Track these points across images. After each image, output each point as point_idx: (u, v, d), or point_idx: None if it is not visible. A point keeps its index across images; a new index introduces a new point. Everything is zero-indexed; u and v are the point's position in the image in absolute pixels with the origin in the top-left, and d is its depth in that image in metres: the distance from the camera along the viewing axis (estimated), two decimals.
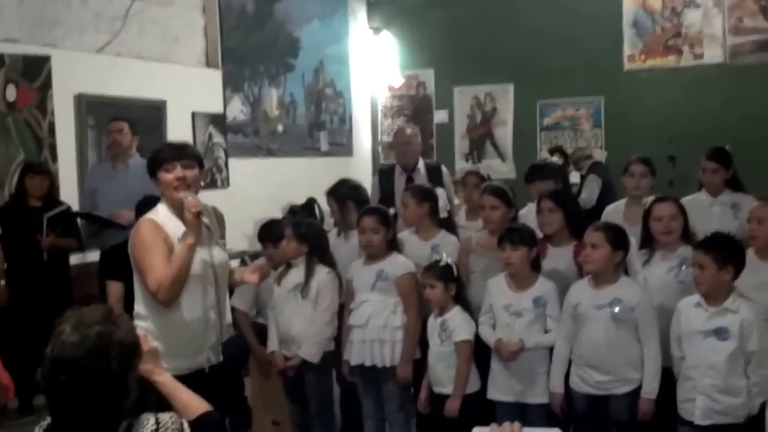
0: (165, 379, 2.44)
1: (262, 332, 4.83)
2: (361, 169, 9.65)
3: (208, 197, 7.41)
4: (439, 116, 9.58)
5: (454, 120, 9.59)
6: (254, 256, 6.86)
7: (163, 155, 3.36)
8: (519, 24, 9.12)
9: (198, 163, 3.39)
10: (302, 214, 8.17)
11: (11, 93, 6.07)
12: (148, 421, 2.13)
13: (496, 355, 4.06)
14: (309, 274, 4.31)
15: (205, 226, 3.32)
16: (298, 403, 4.45)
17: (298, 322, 4.32)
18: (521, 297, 4.04)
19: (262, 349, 4.72)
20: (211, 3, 7.89)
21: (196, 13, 7.84)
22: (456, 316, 4.05)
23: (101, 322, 2.08)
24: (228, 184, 8.06)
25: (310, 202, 8.44)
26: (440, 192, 4.72)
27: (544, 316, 4.03)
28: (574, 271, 4.21)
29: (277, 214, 8.20)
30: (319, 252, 4.38)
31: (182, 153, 3.35)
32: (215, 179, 7.94)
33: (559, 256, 4.28)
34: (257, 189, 8.17)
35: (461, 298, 4.11)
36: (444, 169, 6.25)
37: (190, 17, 7.77)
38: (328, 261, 4.41)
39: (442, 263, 4.07)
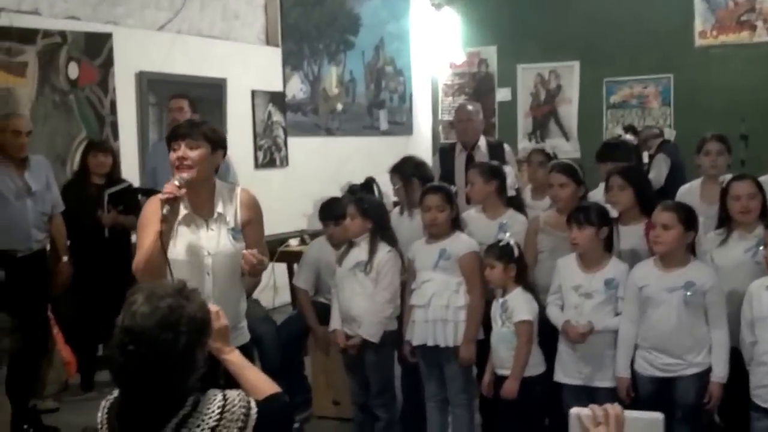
0: (234, 358, 2.37)
1: (321, 312, 4.80)
2: (420, 148, 9.51)
3: (266, 176, 7.54)
4: (502, 94, 9.40)
5: (517, 98, 9.40)
6: (313, 234, 6.79)
7: (170, 134, 3.26)
8: None
9: (210, 143, 3.17)
10: (361, 194, 8.12)
11: (73, 71, 6.10)
12: (216, 397, 2.10)
13: (563, 337, 3.95)
14: (372, 251, 4.23)
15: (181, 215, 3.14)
16: (359, 383, 4.39)
17: (359, 301, 4.24)
18: (592, 278, 3.90)
19: (323, 328, 4.67)
20: None
21: None
22: (517, 296, 3.94)
23: (173, 295, 2.07)
24: (287, 163, 8.03)
25: (369, 182, 8.34)
26: (509, 170, 4.57)
27: (615, 298, 3.90)
28: (647, 250, 4.06)
29: (336, 194, 8.13)
30: (382, 229, 4.29)
31: (188, 132, 3.17)
32: (274, 158, 7.91)
33: (630, 235, 4.15)
34: (316, 168, 8.13)
35: (523, 279, 3.99)
36: (506, 146, 6.10)
37: None
38: (390, 239, 4.32)
39: (502, 243, 3.95)
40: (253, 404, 2.14)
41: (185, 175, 3.10)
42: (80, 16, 6.20)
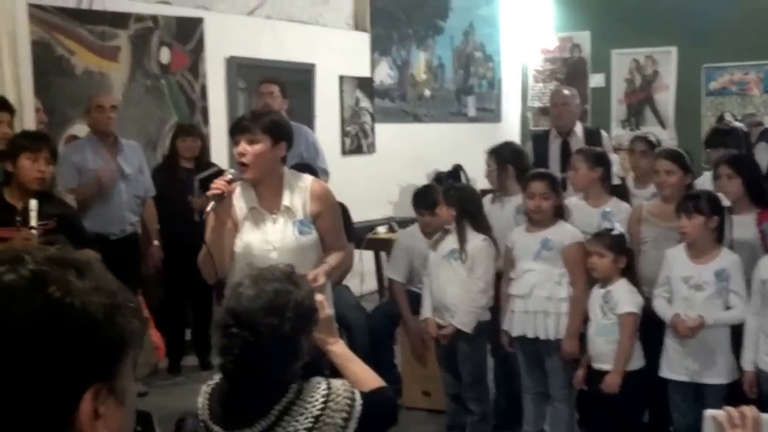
0: (338, 349, 2.30)
1: (412, 301, 4.70)
2: (509, 135, 9.22)
3: (352, 163, 7.45)
4: (595, 80, 9.09)
5: (611, 84, 9.08)
6: (401, 222, 6.69)
7: (232, 127, 3.24)
8: None
9: (271, 135, 3.13)
10: (449, 182, 7.97)
11: (165, 55, 6.12)
12: (320, 385, 2.06)
13: (671, 331, 3.78)
14: (462, 239, 4.12)
15: (251, 208, 3.17)
16: (451, 373, 4.28)
17: (453, 290, 4.15)
18: (702, 269, 3.73)
19: (415, 318, 4.57)
20: None
21: None
22: (622, 287, 3.79)
23: (281, 280, 2.05)
24: (374, 150, 7.93)
25: (456, 169, 8.20)
26: (614, 157, 4.42)
27: (726, 291, 3.72)
28: (760, 241, 3.92)
29: (423, 181, 8.00)
30: (470, 217, 4.17)
31: (248, 126, 3.13)
32: (361, 145, 7.82)
33: (741, 225, 3.98)
34: (403, 155, 8.00)
35: (629, 271, 3.83)
36: (604, 133, 5.91)
37: None
38: (483, 227, 4.19)
39: (614, 232, 3.79)
40: (357, 396, 2.08)
41: (245, 175, 3.10)
42: (171, 0, 6.20)
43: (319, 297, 2.20)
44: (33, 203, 3.69)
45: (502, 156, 4.55)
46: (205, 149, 5.81)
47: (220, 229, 3.10)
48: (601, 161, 4.35)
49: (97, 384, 0.95)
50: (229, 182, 3.07)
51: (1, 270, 0.95)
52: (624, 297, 3.77)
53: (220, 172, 5.69)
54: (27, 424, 0.93)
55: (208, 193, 3.08)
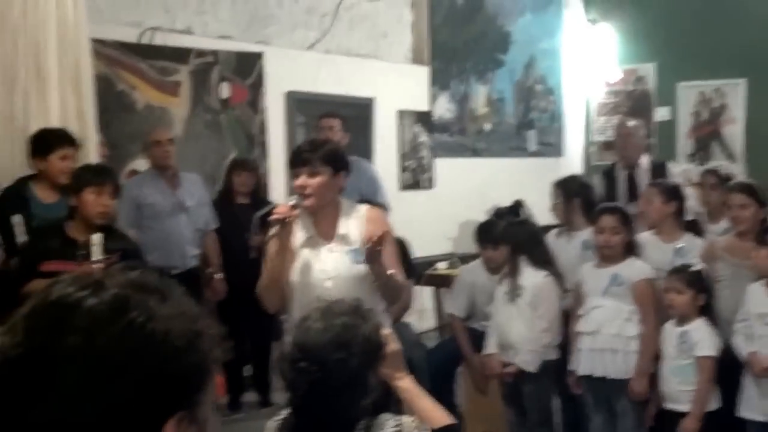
0: (406, 384, 2.23)
1: (474, 339, 4.58)
2: (571, 170, 9.06)
3: (411, 198, 7.35)
4: (661, 113, 8.87)
5: (677, 118, 8.85)
6: (463, 258, 6.55)
7: (291, 158, 3.26)
8: (752, 12, 8.27)
9: (331, 166, 3.14)
10: (508, 217, 7.82)
11: (225, 90, 6.12)
12: (388, 422, 2.01)
13: (748, 370, 3.63)
14: (514, 276, 4.04)
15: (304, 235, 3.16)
16: (516, 413, 4.13)
17: (515, 328, 4.04)
18: None
19: (477, 356, 4.45)
20: None
21: (405, 8, 7.67)
22: (701, 328, 3.66)
23: (349, 314, 2.04)
24: (433, 185, 7.82)
25: (516, 205, 8.05)
26: (690, 192, 4.27)
27: None
28: None
29: (482, 217, 7.85)
30: (528, 253, 4.06)
31: (309, 158, 3.13)
32: (419, 180, 7.72)
33: None
34: (461, 190, 7.89)
35: (708, 310, 3.68)
36: (670, 166, 5.73)
37: (399, 12, 7.61)
38: (542, 262, 4.06)
39: (694, 268, 3.63)
40: None
41: (306, 203, 3.10)
42: (232, 35, 6.22)
43: (385, 331, 2.16)
44: (96, 237, 3.67)
45: (569, 189, 4.43)
46: (260, 184, 5.77)
47: (282, 254, 3.11)
48: (675, 195, 4.22)
49: (179, 413, 0.93)
50: (292, 208, 3.08)
51: (82, 294, 0.94)
52: (703, 338, 3.63)
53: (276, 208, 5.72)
54: None
55: (271, 218, 3.09)
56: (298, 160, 3.16)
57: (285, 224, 3.06)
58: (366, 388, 2.00)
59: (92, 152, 4.91)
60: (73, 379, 0.89)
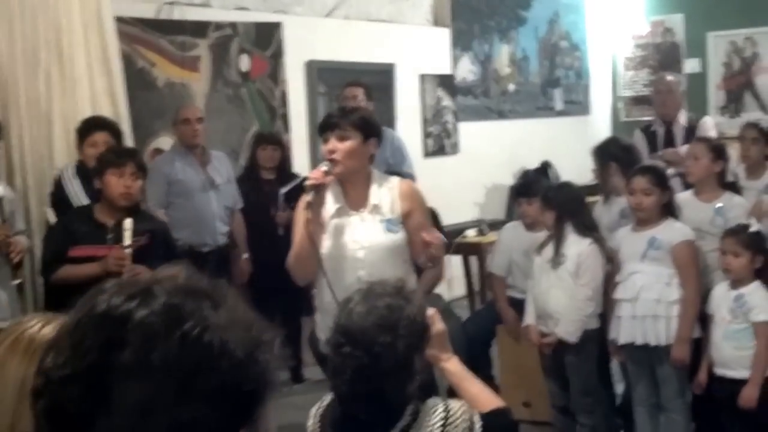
0: (453, 367, 2.17)
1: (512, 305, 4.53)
2: (599, 128, 8.96)
3: (436, 164, 7.25)
4: (690, 65, 8.67)
5: (708, 69, 8.65)
6: (492, 224, 6.46)
7: (321, 124, 3.19)
8: None
9: (361, 132, 3.07)
10: (548, 182, 7.69)
11: (245, 63, 6.03)
12: (437, 407, 1.96)
13: None
14: (558, 242, 3.91)
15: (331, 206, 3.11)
16: (558, 384, 4.05)
17: (555, 297, 3.93)
18: None
19: (515, 316, 4.40)
20: None
21: None
22: (756, 292, 3.53)
23: (392, 295, 1.97)
24: (457, 150, 7.70)
25: (544, 166, 7.93)
26: (732, 153, 4.19)
27: None
28: None
29: (510, 180, 7.77)
30: (572, 218, 3.93)
31: (339, 122, 3.08)
32: (443, 145, 7.60)
33: None
34: (488, 154, 7.77)
35: (764, 273, 3.57)
36: (709, 121, 5.64)
37: None
38: (586, 229, 3.95)
39: (752, 229, 3.56)
40: (476, 418, 1.97)
41: (335, 170, 3.03)
42: (249, 6, 6.12)
43: (430, 311, 2.08)
44: (128, 222, 3.63)
45: (603, 154, 4.33)
46: (286, 159, 5.69)
47: (315, 221, 3.04)
48: (722, 154, 4.11)
49: (241, 430, 0.89)
50: (326, 173, 3.02)
51: (132, 305, 0.87)
52: (760, 303, 3.52)
53: (302, 182, 5.63)
54: None
55: (306, 182, 3.04)
56: (327, 125, 3.12)
57: (319, 190, 3.01)
58: (413, 372, 1.94)
59: (127, 134, 4.87)
60: (130, 400, 0.83)
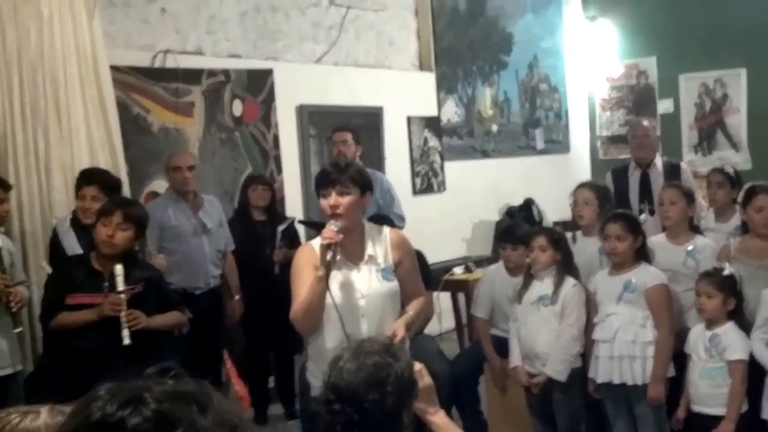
0: (440, 420, 2.27)
1: (495, 345, 4.64)
2: (578, 166, 9.24)
3: (424, 202, 7.48)
4: (664, 106, 8.96)
5: (680, 109, 8.94)
6: (478, 262, 6.68)
7: (319, 180, 3.26)
8: (751, 1, 8.34)
9: (359, 186, 3.19)
10: (520, 216, 7.94)
11: (237, 108, 6.23)
12: None
13: None
14: (559, 284, 4.07)
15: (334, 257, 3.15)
16: (544, 423, 4.21)
17: (544, 337, 4.09)
18: None
19: (501, 361, 4.53)
20: (424, 4, 7.78)
21: (409, 16, 7.78)
22: (730, 331, 3.70)
23: (380, 353, 2.03)
24: (444, 188, 7.93)
25: (528, 203, 8.17)
26: (698, 197, 4.38)
27: None
28: None
29: (494, 217, 8.02)
30: (568, 261, 4.14)
31: (338, 178, 3.17)
32: (431, 184, 7.83)
33: None
34: (473, 191, 8.02)
35: (737, 314, 3.74)
36: (684, 166, 5.82)
37: (403, 20, 7.71)
38: (574, 271, 4.14)
39: (725, 272, 3.72)
40: None
41: (339, 222, 3.12)
42: (241, 53, 6.33)
43: (417, 366, 2.19)
44: (118, 268, 3.70)
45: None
46: (275, 198, 5.84)
47: (327, 279, 3.11)
48: (692, 198, 4.32)
49: None
50: (337, 232, 3.10)
51: (124, 413, 0.92)
52: (734, 342, 3.68)
53: (293, 222, 5.81)
54: None
55: (323, 242, 3.10)
56: (327, 181, 3.19)
57: (333, 249, 3.08)
58: (400, 427, 2.01)
59: (124, 182, 4.96)
60: None
